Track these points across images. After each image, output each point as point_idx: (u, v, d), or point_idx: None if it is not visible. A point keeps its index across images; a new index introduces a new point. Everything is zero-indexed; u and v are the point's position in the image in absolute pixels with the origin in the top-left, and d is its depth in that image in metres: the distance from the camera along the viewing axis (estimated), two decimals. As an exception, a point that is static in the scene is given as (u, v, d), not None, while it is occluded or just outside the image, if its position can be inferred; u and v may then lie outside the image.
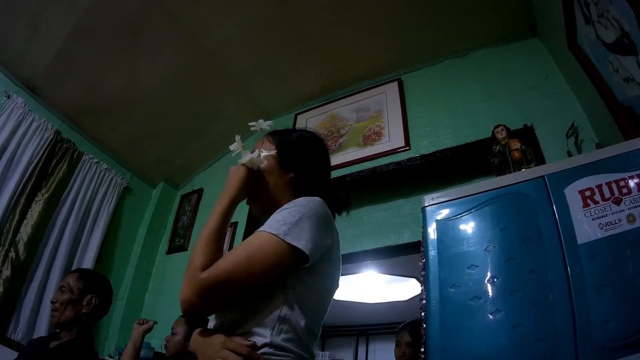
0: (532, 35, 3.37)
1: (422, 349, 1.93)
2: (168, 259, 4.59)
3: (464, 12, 3.45)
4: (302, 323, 1.22)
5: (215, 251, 1.24)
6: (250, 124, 1.57)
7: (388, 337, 6.03)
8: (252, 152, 1.48)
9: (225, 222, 1.34)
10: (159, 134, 4.65)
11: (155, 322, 2.98)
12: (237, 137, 1.53)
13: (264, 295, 1.22)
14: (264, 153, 1.47)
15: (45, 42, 3.68)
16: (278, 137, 1.58)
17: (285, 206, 1.31)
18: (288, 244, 1.19)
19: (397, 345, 2.96)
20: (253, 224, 3.66)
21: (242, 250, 1.21)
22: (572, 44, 2.60)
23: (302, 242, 1.20)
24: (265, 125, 1.57)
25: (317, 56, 4.04)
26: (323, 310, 1.36)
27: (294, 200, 1.33)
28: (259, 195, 1.50)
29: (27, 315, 3.42)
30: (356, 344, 6.80)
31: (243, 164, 1.45)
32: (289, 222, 1.23)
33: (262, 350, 1.15)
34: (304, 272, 1.25)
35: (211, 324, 1.34)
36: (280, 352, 1.16)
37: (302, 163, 1.53)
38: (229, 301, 1.23)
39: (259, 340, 1.16)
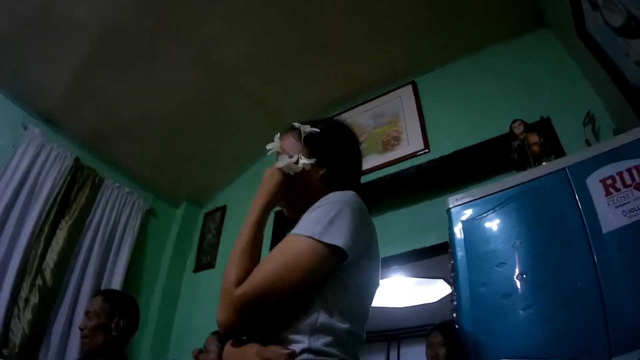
0: (541, 26, 3.35)
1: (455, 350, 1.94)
2: (196, 278, 4.60)
3: (472, 9, 3.44)
4: (343, 326, 1.15)
5: (250, 263, 1.18)
6: (267, 146, 1.50)
7: (419, 340, 5.95)
8: (280, 153, 1.45)
9: (259, 232, 1.28)
10: (178, 154, 4.66)
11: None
12: (276, 137, 1.50)
13: (301, 300, 1.14)
14: (303, 160, 1.41)
15: (59, 70, 3.72)
16: (304, 133, 1.51)
17: (317, 204, 1.26)
18: (326, 244, 1.13)
19: (429, 347, 2.93)
20: (279, 232, 3.64)
21: (277, 258, 1.15)
22: (580, 32, 2.59)
23: (340, 239, 1.14)
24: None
25: (331, 65, 4.03)
26: (365, 311, 1.28)
27: (325, 197, 1.28)
28: (290, 195, 1.45)
29: (57, 341, 3.44)
30: (387, 349, 6.73)
31: (279, 168, 1.40)
32: (324, 221, 1.17)
33: (301, 357, 1.07)
34: (343, 272, 1.19)
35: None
36: (322, 358, 1.09)
37: (331, 157, 1.48)
38: (270, 314, 1.14)
39: (296, 347, 1.08)
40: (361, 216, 1.25)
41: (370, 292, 1.32)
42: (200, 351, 2.98)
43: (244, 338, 1.21)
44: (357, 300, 1.25)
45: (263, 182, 1.40)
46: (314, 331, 1.11)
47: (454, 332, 2.09)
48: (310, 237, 1.14)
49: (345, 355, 1.13)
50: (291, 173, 1.40)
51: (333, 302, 1.16)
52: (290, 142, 1.52)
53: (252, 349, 1.12)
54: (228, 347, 1.21)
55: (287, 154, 1.42)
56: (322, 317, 1.13)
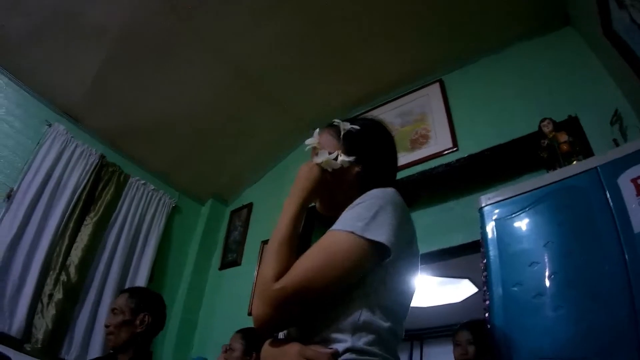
0: (566, 25, 3.34)
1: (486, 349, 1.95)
2: (221, 275, 4.63)
3: (496, 7, 3.43)
4: (385, 325, 1.13)
5: (289, 259, 1.16)
6: (306, 142, 1.50)
7: (442, 340, 5.95)
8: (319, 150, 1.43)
9: (297, 227, 1.26)
10: (202, 151, 4.70)
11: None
12: (315, 132, 1.50)
13: (342, 298, 1.13)
14: (343, 157, 1.40)
15: (81, 70, 3.78)
16: (342, 131, 1.48)
17: (358, 200, 1.24)
18: (368, 240, 1.11)
19: (457, 345, 2.87)
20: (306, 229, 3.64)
21: (317, 254, 1.13)
22: (607, 30, 2.57)
23: (383, 235, 1.12)
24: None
25: (355, 63, 4.03)
26: (404, 310, 1.28)
27: (367, 193, 1.25)
28: (326, 192, 1.43)
29: (80, 337, 3.49)
30: (410, 349, 6.70)
31: (317, 164, 1.38)
32: (366, 216, 1.15)
33: (344, 357, 1.06)
34: (385, 269, 1.17)
35: (281, 333, 1.26)
36: (365, 357, 1.07)
37: (368, 155, 1.45)
38: (308, 311, 1.13)
39: (339, 347, 1.07)
40: (403, 213, 1.24)
41: (410, 289, 1.30)
42: (228, 349, 3.00)
43: (282, 337, 1.22)
44: (398, 298, 1.23)
45: (299, 178, 1.37)
46: (356, 330, 1.09)
47: (482, 330, 2.10)
48: (352, 233, 1.12)
49: (387, 354, 1.11)
50: (329, 169, 1.39)
51: (375, 300, 1.14)
52: (327, 138, 1.50)
53: (294, 348, 1.10)
54: (267, 347, 1.20)
55: (326, 150, 1.41)
56: (364, 315, 1.11)
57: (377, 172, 1.46)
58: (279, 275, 1.11)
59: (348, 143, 1.46)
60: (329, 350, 1.06)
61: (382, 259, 1.14)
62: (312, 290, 1.09)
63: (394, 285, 1.20)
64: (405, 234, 1.23)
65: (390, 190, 1.27)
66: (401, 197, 1.29)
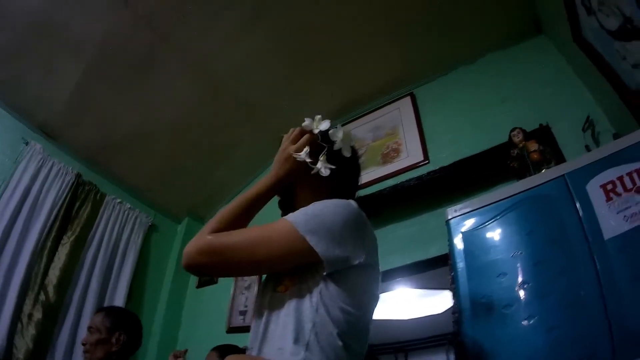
0: (538, 33, 3.35)
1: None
2: (199, 293, 4.61)
3: (468, 17, 3.44)
4: (339, 342, 1.11)
5: (233, 223, 1.27)
6: (304, 123, 1.50)
7: (426, 352, 5.95)
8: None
9: (254, 206, 1.35)
10: (179, 168, 4.67)
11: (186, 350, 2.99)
12: (317, 117, 1.51)
13: (294, 311, 1.14)
14: (323, 165, 1.38)
15: (59, 85, 3.73)
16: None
17: (319, 202, 1.24)
18: (306, 242, 1.13)
19: None
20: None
21: (256, 230, 1.21)
22: (577, 37, 2.58)
23: (321, 246, 1.13)
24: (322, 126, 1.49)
25: (329, 77, 4.04)
26: (363, 325, 1.23)
27: (330, 200, 1.26)
28: (293, 189, 1.45)
29: (60, 356, 3.44)
30: (394, 362, 6.69)
31: (294, 156, 1.39)
32: (317, 221, 1.17)
33: None
34: (334, 283, 1.16)
35: (249, 352, 1.23)
36: None
37: (342, 167, 1.45)
38: (227, 270, 1.37)
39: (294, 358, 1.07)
40: (357, 226, 1.23)
41: (368, 304, 1.27)
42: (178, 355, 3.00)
43: (249, 353, 1.22)
44: (354, 314, 1.18)
45: (282, 158, 1.43)
46: (309, 345, 1.08)
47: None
48: (296, 229, 1.16)
49: None
50: (305, 161, 1.39)
51: (328, 317, 1.12)
52: (316, 142, 1.48)
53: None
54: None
55: (309, 149, 1.40)
56: (317, 332, 1.10)
57: (346, 183, 1.49)
58: (215, 231, 1.24)
59: (331, 152, 1.45)
60: None
61: (320, 269, 1.16)
62: (231, 256, 1.19)
63: (349, 300, 1.17)
64: (359, 247, 1.20)
65: (350, 202, 1.26)
66: (361, 211, 1.27)
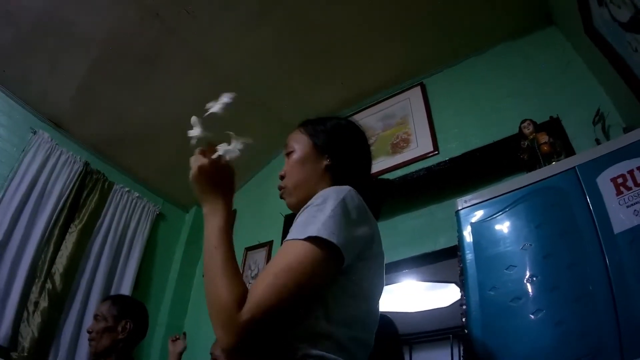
0: (548, 24, 3.32)
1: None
2: (206, 282, 4.58)
3: (478, 8, 3.42)
4: (344, 331, 1.08)
5: (239, 277, 1.08)
6: (189, 133, 1.42)
7: (431, 345, 5.94)
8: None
9: (231, 236, 1.17)
10: (187, 159, 4.58)
11: (184, 333, 3.01)
12: (194, 119, 1.43)
13: (300, 306, 1.06)
14: (235, 142, 1.34)
15: (66, 77, 3.75)
16: (310, 126, 1.49)
17: (310, 202, 1.17)
18: (322, 244, 1.04)
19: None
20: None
21: (276, 270, 1.03)
22: (588, 28, 2.55)
23: (335, 236, 1.04)
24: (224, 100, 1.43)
25: (338, 68, 4.03)
26: (369, 314, 1.20)
27: (319, 193, 1.19)
28: (295, 186, 1.40)
29: (66, 344, 3.47)
30: (399, 355, 6.63)
31: (215, 159, 1.33)
32: (318, 220, 1.08)
33: None
34: (341, 275, 1.11)
35: None
36: None
37: (338, 149, 1.42)
38: (276, 329, 1.02)
39: (295, 354, 1.02)
40: (357, 213, 1.17)
41: (373, 293, 1.24)
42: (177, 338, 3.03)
43: None
44: (360, 305, 1.16)
45: (207, 180, 1.32)
46: (313, 337, 1.05)
47: None
48: (304, 240, 1.05)
49: None
50: (228, 158, 1.33)
51: (333, 307, 1.09)
52: (298, 135, 1.49)
53: None
54: None
55: (224, 143, 1.36)
56: (322, 323, 1.06)
57: (347, 165, 1.42)
58: (239, 300, 1.00)
59: (318, 138, 1.44)
60: None
61: (340, 261, 1.08)
62: (281, 311, 1.00)
63: (355, 289, 1.15)
64: (360, 234, 1.15)
65: (344, 188, 1.20)
66: (359, 196, 1.22)
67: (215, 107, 1.40)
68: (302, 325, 1.06)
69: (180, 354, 2.99)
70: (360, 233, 1.15)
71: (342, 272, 1.10)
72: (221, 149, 1.32)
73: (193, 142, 1.39)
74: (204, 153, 1.35)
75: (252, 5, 3.49)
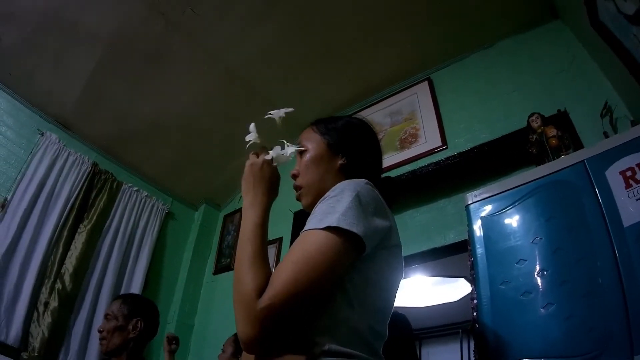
0: (554, 18, 3.31)
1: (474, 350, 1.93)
2: (215, 280, 4.62)
3: (484, 2, 3.41)
4: (365, 323, 1.08)
5: (266, 270, 1.06)
6: (247, 138, 1.44)
7: (440, 340, 5.95)
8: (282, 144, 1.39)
9: (265, 234, 1.18)
10: (195, 156, 4.69)
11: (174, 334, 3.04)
12: (251, 126, 1.44)
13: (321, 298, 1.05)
14: (290, 148, 1.36)
15: (72, 77, 3.78)
16: (323, 125, 1.50)
17: (326, 194, 1.17)
18: (341, 233, 1.03)
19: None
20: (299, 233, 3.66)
21: (297, 259, 1.02)
22: (594, 21, 2.53)
23: (355, 226, 1.04)
24: (282, 113, 1.47)
25: (344, 64, 4.02)
26: (387, 307, 1.21)
27: (336, 186, 1.19)
28: (311, 186, 1.39)
29: (77, 344, 3.49)
30: (409, 349, 6.62)
31: (267, 161, 1.32)
32: (337, 210, 1.08)
33: (321, 359, 0.99)
34: (362, 264, 1.10)
35: None
36: (342, 359, 1.00)
37: (351, 148, 1.43)
38: (298, 320, 1.01)
39: (316, 348, 1.00)
40: (375, 204, 1.17)
41: (393, 285, 1.24)
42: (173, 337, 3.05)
43: None
44: (379, 294, 1.17)
45: (250, 176, 1.30)
46: (333, 327, 1.04)
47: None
48: (323, 229, 1.04)
49: (367, 354, 1.06)
50: (278, 165, 1.35)
51: (356, 298, 1.08)
52: (310, 134, 1.50)
53: None
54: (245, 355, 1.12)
55: (277, 146, 1.38)
56: (344, 313, 1.06)
57: (361, 164, 1.43)
58: (260, 289, 1.01)
59: (331, 137, 1.45)
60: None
61: (359, 251, 1.08)
62: (301, 300, 0.99)
63: (375, 280, 1.15)
64: (379, 226, 1.15)
65: (361, 182, 1.21)
66: (375, 189, 1.23)
67: (275, 113, 1.46)
68: (321, 316, 1.04)
69: (173, 352, 2.99)
70: (379, 223, 1.15)
71: (362, 259, 1.10)
72: (274, 151, 1.34)
73: (247, 146, 1.42)
74: (257, 155, 1.37)
75: (257, 0, 3.50)
